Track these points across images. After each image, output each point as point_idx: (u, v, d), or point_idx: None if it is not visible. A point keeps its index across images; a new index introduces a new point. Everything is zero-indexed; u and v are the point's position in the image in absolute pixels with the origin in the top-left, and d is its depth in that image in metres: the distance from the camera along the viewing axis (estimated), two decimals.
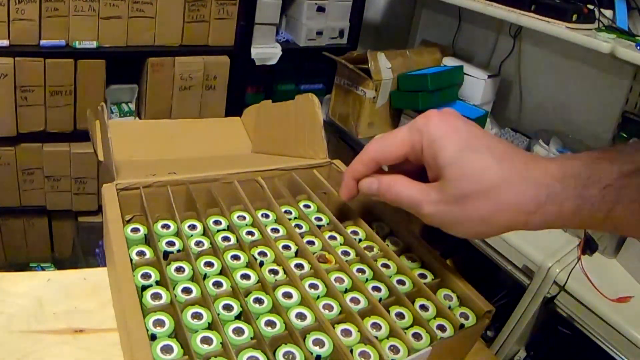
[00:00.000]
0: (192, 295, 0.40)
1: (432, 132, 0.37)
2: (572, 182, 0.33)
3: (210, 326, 0.38)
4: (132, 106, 1.73)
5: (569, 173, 0.33)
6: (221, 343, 0.36)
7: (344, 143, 1.65)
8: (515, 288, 1.17)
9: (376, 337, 0.39)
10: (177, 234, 0.47)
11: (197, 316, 0.38)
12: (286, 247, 0.48)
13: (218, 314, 0.39)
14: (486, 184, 0.35)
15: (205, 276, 0.43)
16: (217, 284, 0.42)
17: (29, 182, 1.67)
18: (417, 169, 0.41)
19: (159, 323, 0.37)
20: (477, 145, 0.36)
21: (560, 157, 0.36)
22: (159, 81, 1.63)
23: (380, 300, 0.44)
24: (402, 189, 0.39)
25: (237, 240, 0.47)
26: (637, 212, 0.32)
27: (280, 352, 0.37)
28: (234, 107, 1.74)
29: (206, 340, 0.36)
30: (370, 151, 0.42)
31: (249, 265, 0.45)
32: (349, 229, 0.52)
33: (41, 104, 1.52)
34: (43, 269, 1.88)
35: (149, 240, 0.46)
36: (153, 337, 0.36)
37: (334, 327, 0.39)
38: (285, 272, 0.44)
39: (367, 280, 0.46)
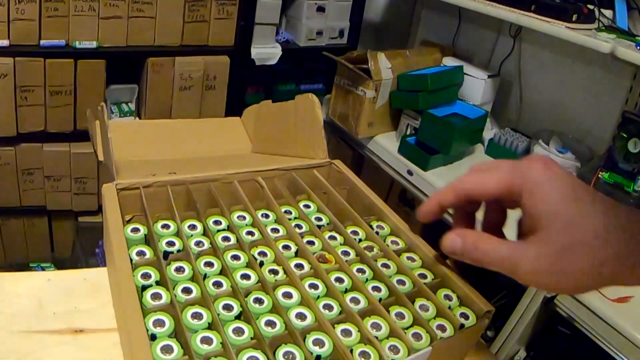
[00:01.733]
0: (192, 295, 0.40)
1: (536, 176, 0.35)
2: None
3: (210, 326, 0.38)
4: (132, 106, 1.73)
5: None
6: (221, 343, 0.36)
7: (344, 143, 1.65)
8: (515, 288, 1.17)
9: (376, 337, 0.39)
10: (177, 234, 0.47)
11: (197, 316, 0.38)
12: (286, 247, 0.48)
13: (218, 314, 0.39)
14: (592, 233, 0.33)
15: (205, 276, 0.43)
16: (217, 284, 0.42)
17: (29, 182, 1.67)
18: (498, 218, 0.41)
19: (159, 323, 0.37)
20: (581, 195, 0.35)
21: None
22: (159, 81, 1.63)
23: (380, 300, 0.44)
24: (491, 248, 0.36)
25: (237, 240, 0.47)
26: None
27: (280, 352, 0.37)
28: (234, 107, 1.74)
29: (206, 340, 0.36)
30: (465, 182, 0.39)
31: (249, 265, 0.45)
32: (349, 229, 0.52)
33: (41, 104, 1.52)
34: (43, 269, 1.88)
35: (149, 240, 0.46)
36: (153, 337, 0.36)
37: (334, 327, 0.39)
38: (285, 272, 0.44)
39: (367, 280, 0.46)
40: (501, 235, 0.41)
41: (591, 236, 0.33)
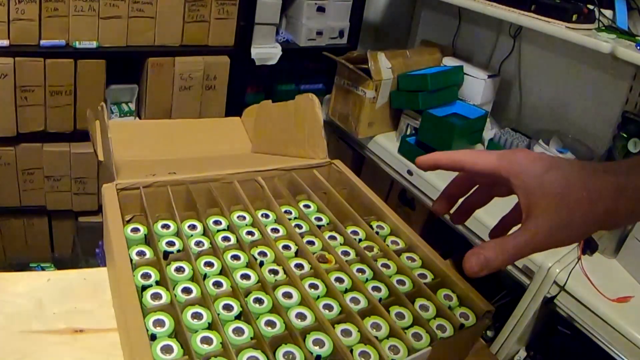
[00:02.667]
0: (192, 295, 0.40)
1: (520, 160, 0.41)
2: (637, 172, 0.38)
3: (210, 326, 0.38)
4: (132, 106, 1.73)
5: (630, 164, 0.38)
6: (221, 343, 0.36)
7: (344, 143, 1.65)
8: (515, 288, 1.17)
9: (376, 337, 0.39)
10: (177, 234, 0.47)
11: (197, 316, 0.38)
12: (286, 247, 0.48)
13: (218, 314, 0.39)
14: (572, 186, 0.38)
15: (205, 276, 0.43)
16: (217, 284, 0.42)
17: (29, 182, 1.67)
18: (480, 200, 0.46)
19: (159, 323, 0.37)
20: (558, 164, 0.40)
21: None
22: (159, 81, 1.63)
23: (380, 300, 0.44)
24: (514, 243, 0.40)
25: (237, 240, 0.47)
26: None
27: (280, 352, 0.37)
28: (234, 107, 1.74)
29: (206, 340, 0.36)
30: (460, 154, 0.44)
31: (249, 265, 0.45)
32: (349, 229, 0.52)
33: (41, 104, 1.52)
34: (43, 269, 1.88)
35: (149, 240, 0.46)
36: (153, 337, 0.36)
37: (334, 327, 0.39)
38: (285, 272, 0.44)
39: (367, 280, 0.46)
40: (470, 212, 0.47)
41: (583, 200, 0.38)
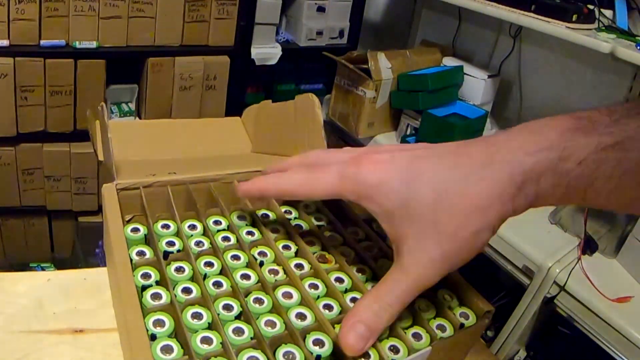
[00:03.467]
0: (192, 295, 0.40)
1: (368, 179, 0.32)
2: (545, 155, 0.29)
3: (210, 326, 0.38)
4: (132, 106, 1.73)
5: (542, 146, 0.29)
6: (221, 343, 0.36)
7: (344, 143, 1.65)
8: (515, 288, 1.17)
9: None
10: (177, 234, 0.47)
11: (197, 316, 0.38)
12: (286, 247, 0.48)
13: (218, 314, 0.39)
14: (449, 197, 0.29)
15: (205, 276, 0.43)
16: (217, 284, 0.42)
17: (29, 182, 1.67)
18: None
19: (159, 323, 0.37)
20: (421, 168, 0.31)
21: (531, 127, 0.31)
22: (159, 81, 1.63)
23: None
24: (395, 293, 0.32)
25: (237, 240, 0.47)
26: (615, 191, 0.29)
27: (280, 352, 0.37)
28: (234, 107, 1.74)
29: (206, 340, 0.36)
30: (292, 183, 0.36)
31: (249, 265, 0.45)
32: (349, 229, 0.52)
33: (41, 104, 1.52)
34: (43, 269, 1.88)
35: (149, 240, 0.46)
36: (153, 337, 0.36)
37: (334, 327, 0.39)
38: (285, 272, 0.44)
39: (367, 280, 0.46)
40: None
41: (449, 200, 0.30)
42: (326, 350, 0.37)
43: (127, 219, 0.49)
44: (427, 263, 0.30)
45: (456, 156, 0.31)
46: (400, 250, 0.31)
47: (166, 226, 0.47)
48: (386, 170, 0.31)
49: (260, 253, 0.46)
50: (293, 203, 0.55)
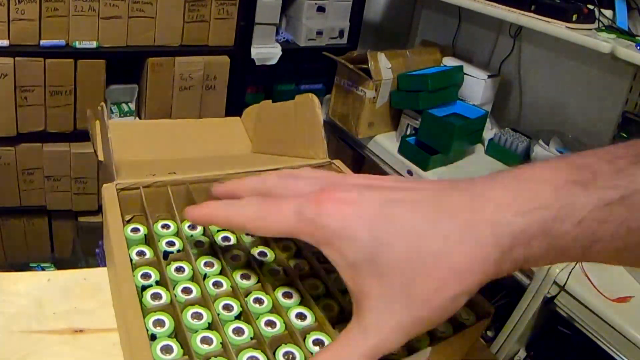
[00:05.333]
0: (192, 295, 0.40)
1: (330, 224, 0.27)
2: (539, 215, 0.25)
3: (210, 326, 0.38)
4: (132, 106, 1.73)
5: (535, 204, 0.25)
6: (221, 343, 0.36)
7: (344, 143, 1.65)
8: (515, 288, 1.17)
9: None
10: (177, 234, 0.47)
11: (197, 316, 0.38)
12: (286, 247, 0.48)
13: (218, 314, 0.39)
14: (426, 257, 0.25)
15: (205, 276, 0.43)
16: (217, 284, 0.42)
17: (29, 182, 1.67)
18: None
19: (159, 323, 0.37)
20: (394, 216, 0.26)
21: (523, 178, 0.27)
22: (159, 81, 1.63)
23: None
24: (348, 355, 0.27)
25: (237, 240, 0.47)
26: (620, 251, 0.25)
27: (280, 352, 0.37)
28: (234, 107, 1.74)
29: (206, 340, 0.36)
30: (244, 217, 0.32)
31: (249, 265, 0.45)
32: None
33: (41, 104, 1.52)
34: (43, 269, 1.88)
35: (149, 240, 0.46)
36: (153, 337, 0.36)
37: (334, 327, 0.39)
38: (285, 272, 0.44)
39: None
40: None
41: (430, 260, 0.26)
42: None
43: (127, 219, 0.49)
44: (393, 328, 0.26)
45: (435, 209, 0.26)
46: (361, 307, 0.27)
47: (166, 226, 0.47)
48: (352, 215, 0.27)
49: (260, 253, 0.46)
50: None
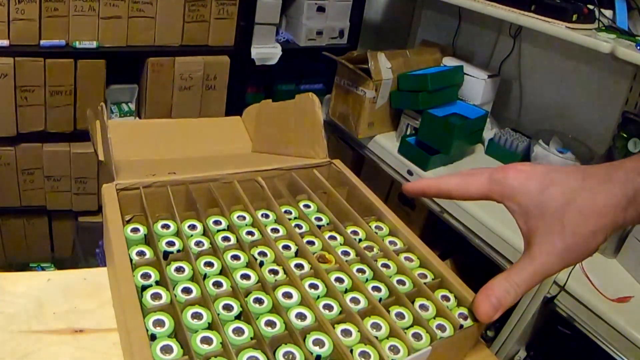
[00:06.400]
0: (192, 295, 0.40)
1: (512, 183, 0.39)
2: None
3: (210, 326, 0.38)
4: (132, 106, 1.73)
5: None
6: (221, 343, 0.36)
7: (344, 143, 1.65)
8: None
9: (376, 337, 0.39)
10: (177, 234, 0.47)
11: (197, 316, 0.38)
12: (286, 247, 0.48)
13: (218, 314, 0.39)
14: (576, 201, 0.36)
15: (205, 276, 0.43)
16: (217, 284, 0.42)
17: (29, 182, 1.67)
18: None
19: (159, 323, 0.37)
20: (555, 178, 0.38)
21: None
22: (159, 81, 1.63)
23: (380, 300, 0.44)
24: (522, 277, 0.38)
25: (237, 240, 0.47)
26: None
27: (280, 352, 0.37)
28: (234, 107, 1.74)
29: (206, 340, 0.36)
30: (451, 183, 0.42)
31: (249, 265, 0.45)
32: (349, 229, 0.52)
33: (41, 104, 1.52)
34: (43, 269, 1.88)
35: (149, 240, 0.46)
36: (153, 337, 0.36)
37: (334, 327, 0.39)
38: (285, 272, 0.44)
39: (367, 280, 0.46)
40: None
41: (577, 203, 0.36)
42: (326, 350, 0.37)
43: (127, 219, 0.49)
44: (551, 253, 0.37)
45: (584, 173, 0.38)
46: (530, 242, 0.38)
47: (166, 226, 0.47)
48: (527, 177, 0.38)
49: (260, 253, 0.46)
50: (293, 203, 0.55)
